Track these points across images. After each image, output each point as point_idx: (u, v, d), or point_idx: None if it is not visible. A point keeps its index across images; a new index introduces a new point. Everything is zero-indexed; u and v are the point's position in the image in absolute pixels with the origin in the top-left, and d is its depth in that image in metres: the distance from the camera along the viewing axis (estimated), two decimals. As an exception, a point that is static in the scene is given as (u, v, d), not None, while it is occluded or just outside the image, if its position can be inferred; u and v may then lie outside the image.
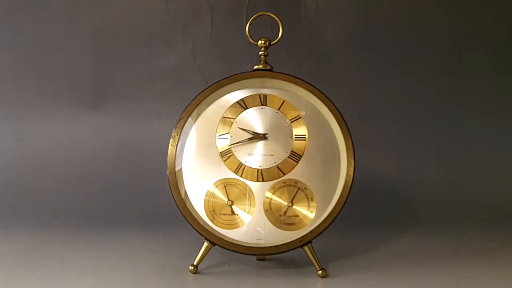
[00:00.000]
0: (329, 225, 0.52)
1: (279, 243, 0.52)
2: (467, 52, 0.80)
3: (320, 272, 0.52)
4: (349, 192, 0.52)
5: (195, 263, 0.52)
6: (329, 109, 0.54)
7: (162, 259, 0.56)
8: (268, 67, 0.56)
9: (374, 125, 0.80)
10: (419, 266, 0.55)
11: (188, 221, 0.53)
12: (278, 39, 0.56)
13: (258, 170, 0.54)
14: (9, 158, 0.78)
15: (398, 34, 0.80)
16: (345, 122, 0.54)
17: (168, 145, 0.53)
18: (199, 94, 0.55)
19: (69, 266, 0.53)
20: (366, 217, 0.71)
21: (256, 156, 0.54)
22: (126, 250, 0.58)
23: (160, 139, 0.79)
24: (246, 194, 0.54)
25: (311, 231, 0.52)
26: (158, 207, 0.71)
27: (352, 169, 0.53)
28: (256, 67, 0.56)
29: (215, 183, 0.54)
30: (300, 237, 0.52)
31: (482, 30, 0.80)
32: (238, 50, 0.77)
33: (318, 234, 0.52)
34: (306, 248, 0.52)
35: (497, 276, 0.53)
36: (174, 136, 0.54)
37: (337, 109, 0.54)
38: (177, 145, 0.54)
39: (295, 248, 0.52)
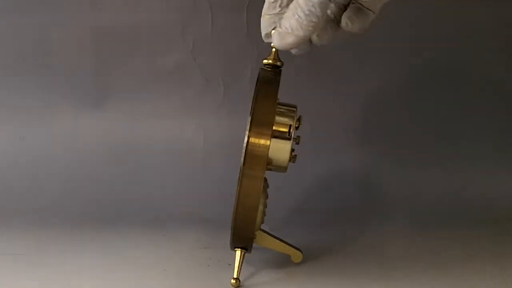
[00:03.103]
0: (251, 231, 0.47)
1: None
2: (468, 52, 0.80)
3: (233, 281, 0.48)
4: None
5: None
6: None
7: (162, 259, 0.55)
8: (278, 63, 0.49)
9: (374, 124, 0.80)
10: (420, 266, 0.55)
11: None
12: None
13: None
14: (9, 157, 0.78)
15: (399, 33, 0.79)
16: None
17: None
18: None
19: (69, 266, 0.53)
20: (366, 216, 0.71)
21: None
22: (126, 249, 0.58)
23: (160, 139, 0.80)
24: None
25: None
26: (158, 207, 0.71)
27: None
28: (265, 61, 0.49)
29: None
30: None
31: (482, 28, 0.80)
32: (239, 50, 0.77)
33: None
34: (238, 250, 0.48)
35: (498, 275, 0.53)
36: None
37: None
38: None
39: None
